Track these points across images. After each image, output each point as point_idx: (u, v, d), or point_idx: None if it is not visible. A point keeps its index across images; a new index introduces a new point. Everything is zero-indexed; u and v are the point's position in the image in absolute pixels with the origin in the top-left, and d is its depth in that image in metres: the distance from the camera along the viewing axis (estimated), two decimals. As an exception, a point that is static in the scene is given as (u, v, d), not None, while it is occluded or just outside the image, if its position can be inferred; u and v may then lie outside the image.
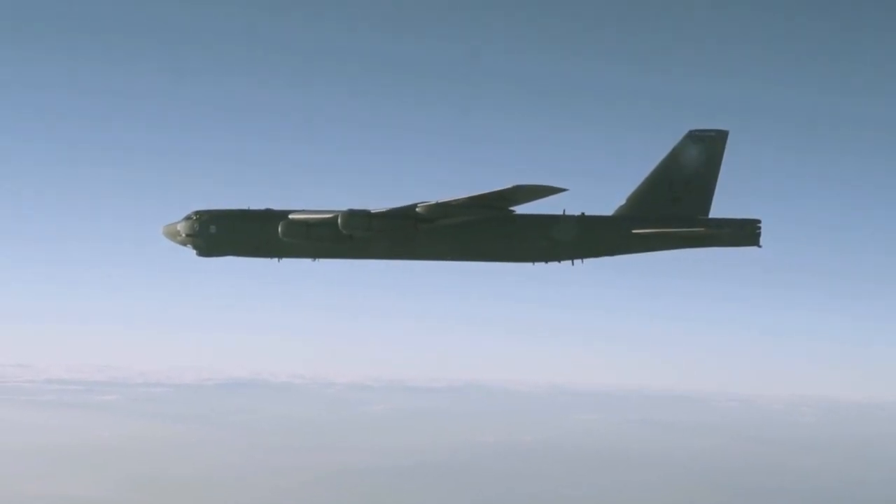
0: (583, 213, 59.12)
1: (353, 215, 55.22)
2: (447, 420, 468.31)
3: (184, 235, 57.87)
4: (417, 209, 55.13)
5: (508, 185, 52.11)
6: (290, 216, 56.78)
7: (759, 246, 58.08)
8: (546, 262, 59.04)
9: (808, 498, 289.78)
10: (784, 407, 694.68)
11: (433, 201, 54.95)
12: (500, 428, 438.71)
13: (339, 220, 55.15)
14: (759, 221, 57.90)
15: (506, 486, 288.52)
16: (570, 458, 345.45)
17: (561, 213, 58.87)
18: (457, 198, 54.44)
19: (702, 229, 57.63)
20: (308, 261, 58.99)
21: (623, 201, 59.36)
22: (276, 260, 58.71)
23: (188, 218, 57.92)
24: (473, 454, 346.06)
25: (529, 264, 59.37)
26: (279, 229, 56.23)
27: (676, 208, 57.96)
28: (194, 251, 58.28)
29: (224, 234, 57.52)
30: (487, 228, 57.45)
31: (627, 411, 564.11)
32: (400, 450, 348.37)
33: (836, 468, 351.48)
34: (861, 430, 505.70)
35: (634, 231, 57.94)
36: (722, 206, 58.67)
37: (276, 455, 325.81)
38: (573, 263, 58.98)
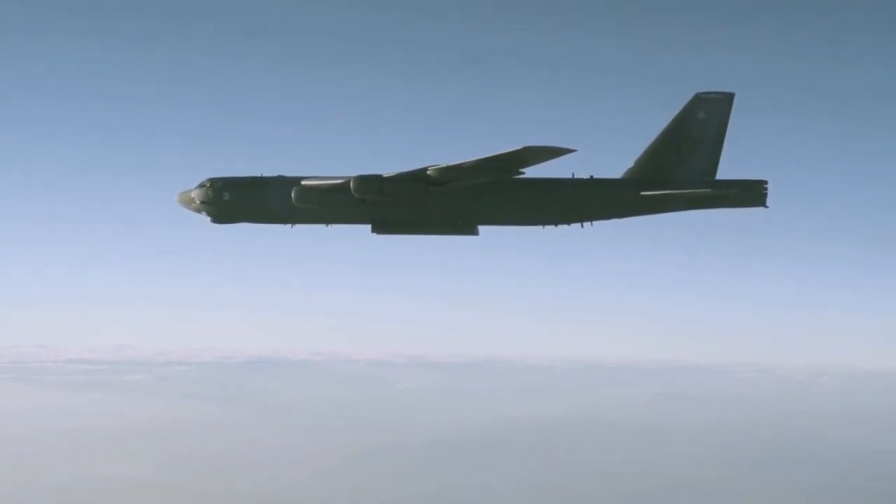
0: (591, 176, 59.78)
1: (365, 180, 55.96)
2: (472, 395, 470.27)
3: (198, 202, 58.78)
4: (428, 172, 55.64)
5: (518, 147, 52.67)
6: (303, 182, 57.55)
7: (766, 206, 58.68)
8: (556, 225, 59.74)
9: (832, 466, 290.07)
10: (804, 376, 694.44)
11: (444, 164, 55.48)
12: (526, 402, 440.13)
13: (352, 185, 55.92)
14: (765, 182, 58.45)
15: (538, 459, 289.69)
16: (600, 432, 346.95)
17: (570, 176, 59.49)
18: (467, 160, 54.95)
19: (709, 190, 58.17)
20: (322, 227, 59.80)
21: (632, 164, 59.85)
22: (289, 226, 59.59)
23: (202, 185, 58.74)
24: (504, 429, 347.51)
25: (539, 227, 60.07)
26: (292, 195, 57.00)
27: (684, 170, 58.52)
28: (209, 218, 59.30)
29: (237, 200, 58.32)
30: (498, 191, 58.13)
31: (650, 384, 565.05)
32: (430, 426, 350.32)
33: (859, 437, 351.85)
34: (882, 399, 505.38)
35: (643, 193, 58.57)
36: (728, 168, 59.26)
37: (309, 434, 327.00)
38: (582, 226, 59.68)
